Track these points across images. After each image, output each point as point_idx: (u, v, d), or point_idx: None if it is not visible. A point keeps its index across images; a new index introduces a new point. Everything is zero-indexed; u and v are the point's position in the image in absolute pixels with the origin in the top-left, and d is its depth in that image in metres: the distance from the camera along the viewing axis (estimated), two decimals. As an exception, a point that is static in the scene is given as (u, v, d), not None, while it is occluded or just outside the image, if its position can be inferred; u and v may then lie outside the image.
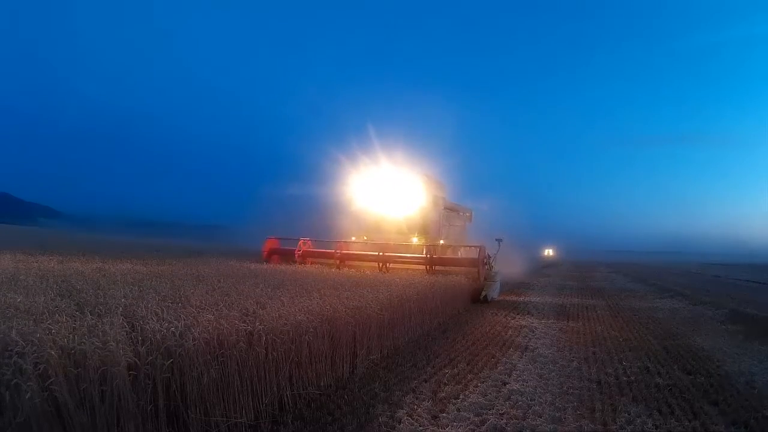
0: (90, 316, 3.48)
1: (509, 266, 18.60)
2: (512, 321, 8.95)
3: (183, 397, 3.12)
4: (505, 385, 4.77)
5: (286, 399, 3.88)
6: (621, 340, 7.41)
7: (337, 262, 12.57)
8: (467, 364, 5.48)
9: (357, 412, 3.83)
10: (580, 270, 32.29)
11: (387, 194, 13.84)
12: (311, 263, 12.67)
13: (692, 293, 15.23)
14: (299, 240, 13.73)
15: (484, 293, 11.34)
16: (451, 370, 5.18)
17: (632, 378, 5.17)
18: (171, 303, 4.21)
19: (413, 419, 3.76)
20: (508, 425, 3.73)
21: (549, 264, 39.28)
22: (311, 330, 4.28)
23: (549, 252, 51.83)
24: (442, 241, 13.85)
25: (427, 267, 11.85)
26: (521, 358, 5.98)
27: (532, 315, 9.87)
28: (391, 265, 12.31)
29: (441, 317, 8.31)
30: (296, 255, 13.16)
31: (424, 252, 12.32)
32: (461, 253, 14.52)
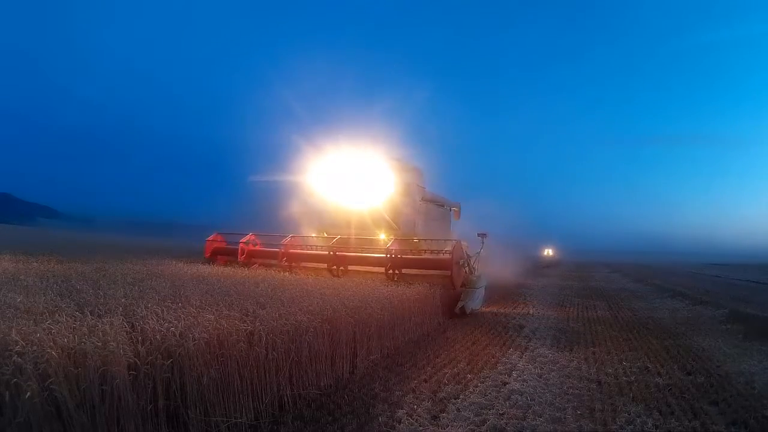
0: (90, 316, 3.49)
1: (505, 268, 18.16)
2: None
3: (183, 397, 3.13)
4: (505, 385, 4.78)
5: (286, 399, 3.88)
6: (621, 339, 7.42)
7: (284, 263, 10.56)
8: (467, 364, 5.49)
9: (357, 412, 3.83)
10: (580, 270, 32.30)
11: (349, 181, 11.22)
12: (260, 265, 10.83)
13: (692, 293, 15.23)
14: (245, 237, 11.70)
15: (460, 304, 9.00)
16: (451, 370, 5.18)
17: (632, 378, 5.18)
18: (171, 303, 4.21)
19: (413, 419, 3.76)
20: (508, 425, 3.73)
21: (549, 264, 39.27)
22: (311, 330, 4.28)
23: (549, 252, 51.75)
24: (415, 239, 11.21)
25: (388, 270, 9.22)
26: (521, 357, 5.98)
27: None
28: (351, 268, 9.93)
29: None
30: (239, 255, 11.33)
31: (391, 250, 9.53)
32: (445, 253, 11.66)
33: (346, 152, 11.18)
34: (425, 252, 10.67)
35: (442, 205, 14.19)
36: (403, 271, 9.35)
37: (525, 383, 4.85)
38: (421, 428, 3.62)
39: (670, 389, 4.79)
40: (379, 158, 11.08)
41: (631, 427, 3.78)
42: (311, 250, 11.25)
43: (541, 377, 5.12)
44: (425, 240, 11.25)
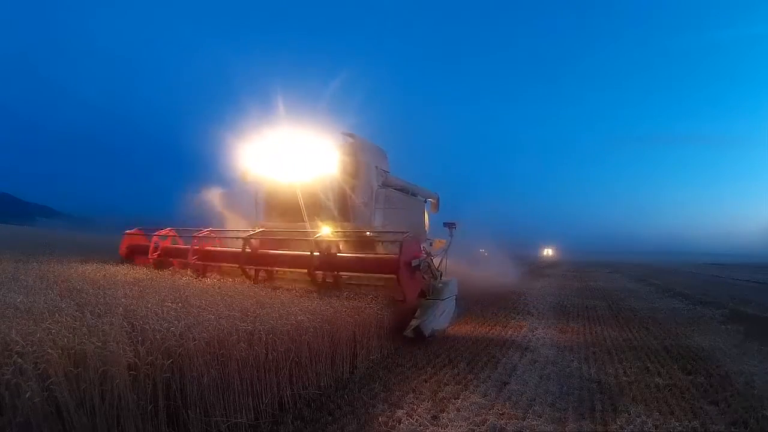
0: (90, 316, 3.49)
1: (500, 269, 17.92)
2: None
3: (183, 397, 3.13)
4: (505, 385, 4.78)
5: (286, 399, 3.88)
6: (621, 340, 7.42)
7: (195, 263, 8.47)
8: (467, 364, 5.49)
9: (357, 412, 3.83)
10: (580, 270, 32.26)
11: (285, 161, 8.77)
12: (178, 266, 8.73)
13: (692, 293, 15.24)
14: (160, 232, 9.70)
15: (414, 323, 6.43)
16: (451, 370, 5.18)
17: (632, 378, 5.18)
18: (171, 303, 4.22)
19: (413, 419, 3.76)
20: (508, 425, 3.73)
21: (548, 264, 39.29)
22: (311, 330, 4.29)
23: (548, 252, 51.91)
24: (369, 233, 8.58)
25: (313, 277, 6.93)
26: (522, 358, 5.98)
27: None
28: (280, 271, 7.83)
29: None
30: (150, 254, 9.50)
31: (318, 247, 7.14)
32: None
33: (287, 126, 8.76)
34: (383, 247, 7.94)
35: (414, 195, 11.78)
36: (343, 275, 7.12)
37: (525, 383, 4.85)
38: (421, 428, 3.62)
39: (670, 389, 4.80)
40: (322, 132, 8.61)
41: (631, 427, 3.78)
42: (233, 247, 8.76)
43: (541, 377, 5.12)
44: (365, 232, 8.45)
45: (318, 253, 6.98)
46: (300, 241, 7.70)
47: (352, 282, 7.09)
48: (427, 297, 7.10)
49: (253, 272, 7.68)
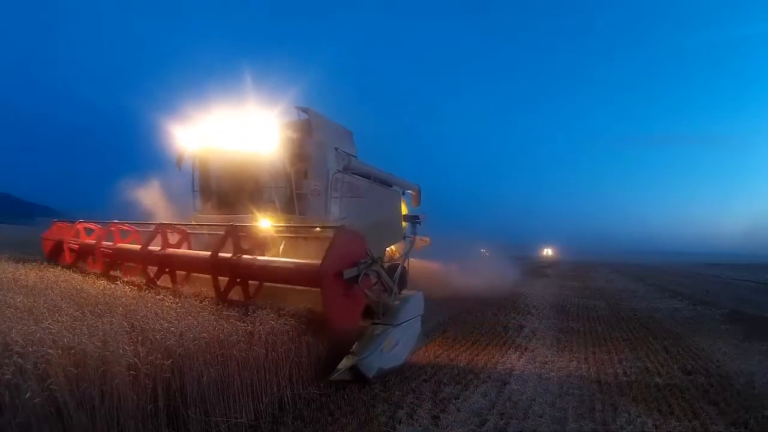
0: (90, 316, 3.49)
1: (498, 269, 17.77)
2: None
3: (183, 397, 3.13)
4: (505, 385, 4.78)
5: (286, 399, 3.88)
6: (621, 339, 7.42)
7: (102, 262, 7.23)
8: (467, 364, 5.49)
9: (357, 412, 3.83)
10: (579, 271, 32.24)
11: (223, 142, 7.27)
12: (101, 267, 7.26)
13: (691, 293, 15.25)
14: (69, 234, 8.61)
15: (346, 362, 4.50)
16: (451, 370, 5.18)
17: (632, 378, 5.18)
18: (171, 303, 4.22)
19: (413, 419, 3.76)
20: (509, 425, 3.73)
21: (548, 264, 39.28)
22: (311, 330, 4.28)
23: (548, 252, 52.06)
24: (318, 228, 6.31)
25: (216, 286, 5.16)
26: (521, 358, 5.98)
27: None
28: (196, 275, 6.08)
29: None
30: (66, 251, 8.49)
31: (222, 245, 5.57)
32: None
33: (228, 101, 7.18)
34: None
35: (389, 185, 9.82)
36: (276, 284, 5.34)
37: (525, 384, 4.86)
38: (421, 428, 3.62)
39: (670, 389, 4.80)
40: (268, 106, 6.87)
41: (631, 427, 3.79)
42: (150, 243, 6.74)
43: (540, 378, 5.12)
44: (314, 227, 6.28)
45: (227, 255, 5.28)
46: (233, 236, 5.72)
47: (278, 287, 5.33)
48: (375, 320, 5.14)
49: (155, 274, 6.16)
